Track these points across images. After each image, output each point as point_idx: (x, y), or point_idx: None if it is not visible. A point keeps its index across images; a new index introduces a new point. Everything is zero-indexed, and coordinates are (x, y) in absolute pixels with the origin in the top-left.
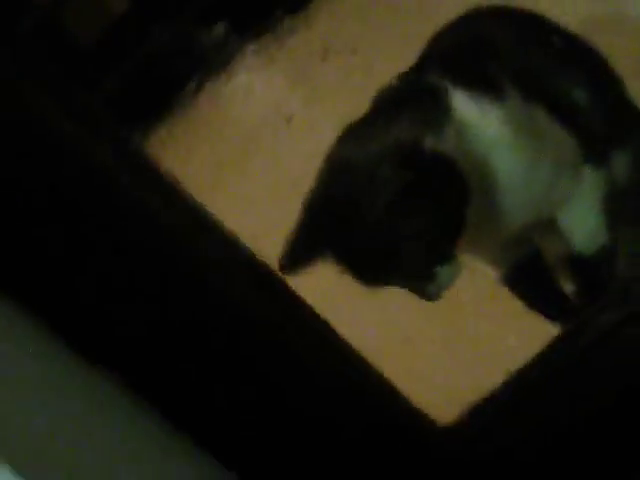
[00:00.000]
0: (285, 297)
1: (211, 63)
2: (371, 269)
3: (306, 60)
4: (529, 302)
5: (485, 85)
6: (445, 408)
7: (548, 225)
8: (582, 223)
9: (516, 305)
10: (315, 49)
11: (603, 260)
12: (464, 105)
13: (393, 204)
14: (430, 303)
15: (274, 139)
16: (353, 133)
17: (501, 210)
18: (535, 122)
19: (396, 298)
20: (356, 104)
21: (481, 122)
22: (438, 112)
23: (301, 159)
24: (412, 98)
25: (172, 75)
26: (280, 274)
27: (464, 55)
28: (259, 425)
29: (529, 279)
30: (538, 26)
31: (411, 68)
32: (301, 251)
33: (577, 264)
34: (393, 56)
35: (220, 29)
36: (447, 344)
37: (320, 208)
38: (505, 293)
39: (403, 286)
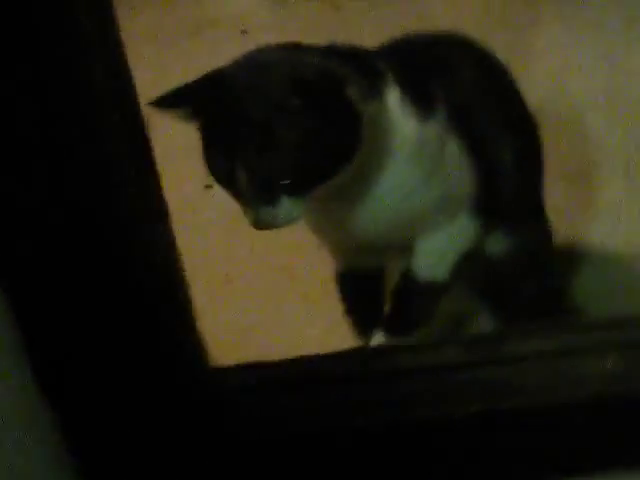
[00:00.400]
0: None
1: None
2: (223, 157)
3: None
4: (346, 310)
5: (420, 97)
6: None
7: (401, 249)
8: (432, 259)
9: None
10: None
11: (427, 302)
12: (393, 101)
13: (284, 110)
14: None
15: (218, 43)
16: (293, 45)
17: (365, 207)
18: (444, 151)
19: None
20: None
21: (398, 123)
22: (371, 88)
23: None
24: (357, 62)
25: None
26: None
27: (418, 61)
28: None
29: (358, 291)
30: (501, 79)
31: (367, 50)
32: (175, 96)
33: (405, 292)
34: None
35: None
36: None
37: (218, 75)
38: None
39: (238, 195)
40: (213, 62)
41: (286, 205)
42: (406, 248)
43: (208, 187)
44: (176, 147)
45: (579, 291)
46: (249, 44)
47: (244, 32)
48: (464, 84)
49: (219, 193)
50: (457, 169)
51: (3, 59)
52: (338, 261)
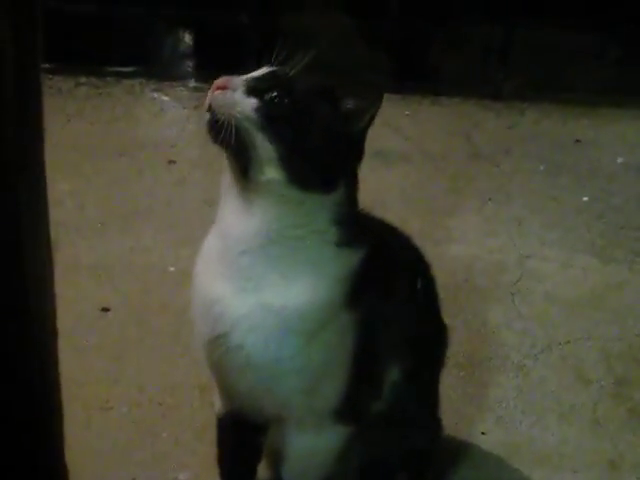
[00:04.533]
0: None
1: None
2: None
3: None
4: (219, 458)
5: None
6: None
7: (278, 426)
8: (301, 466)
9: None
10: None
11: None
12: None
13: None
14: None
15: (144, 167)
16: None
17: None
18: (343, 343)
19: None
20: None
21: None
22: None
23: (161, 195)
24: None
25: None
26: None
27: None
28: None
29: (236, 440)
30: (427, 289)
31: None
32: None
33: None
34: None
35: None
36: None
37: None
38: None
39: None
40: (135, 186)
41: (249, 100)
42: (281, 417)
43: (104, 310)
44: (78, 266)
45: None
46: (174, 174)
47: (172, 162)
48: (394, 293)
49: (114, 317)
50: (339, 362)
51: None
52: (223, 401)
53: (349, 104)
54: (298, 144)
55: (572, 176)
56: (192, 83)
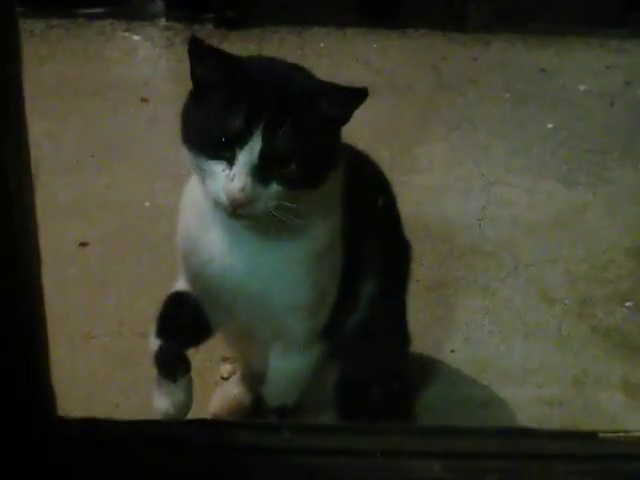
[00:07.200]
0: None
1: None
2: (245, 120)
3: None
4: (165, 331)
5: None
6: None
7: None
8: (282, 386)
9: None
10: None
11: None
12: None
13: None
14: None
15: (117, 106)
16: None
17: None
18: (333, 263)
19: None
20: None
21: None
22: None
23: (135, 132)
24: None
25: None
26: None
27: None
28: None
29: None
30: (391, 209)
31: None
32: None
33: (259, 414)
34: None
35: None
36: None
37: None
38: None
39: (231, 160)
40: (109, 124)
41: (272, 191)
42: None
43: (83, 245)
44: (56, 204)
45: (424, 400)
46: (148, 112)
47: (144, 100)
48: (362, 207)
49: (93, 251)
50: (333, 282)
51: None
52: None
53: (333, 109)
54: (304, 166)
55: (537, 104)
56: (162, 22)
